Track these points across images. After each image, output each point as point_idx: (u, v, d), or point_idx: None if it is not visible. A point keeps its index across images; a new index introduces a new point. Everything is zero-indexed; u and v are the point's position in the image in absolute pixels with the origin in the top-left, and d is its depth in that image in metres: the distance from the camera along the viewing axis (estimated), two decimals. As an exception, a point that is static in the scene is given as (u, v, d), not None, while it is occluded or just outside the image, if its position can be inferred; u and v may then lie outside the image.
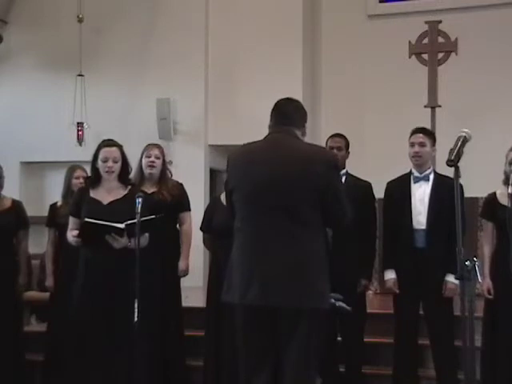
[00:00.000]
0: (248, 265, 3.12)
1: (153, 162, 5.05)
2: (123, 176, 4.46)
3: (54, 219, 5.34)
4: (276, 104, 3.35)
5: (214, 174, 8.76)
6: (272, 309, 3.08)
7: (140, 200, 3.97)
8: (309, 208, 3.10)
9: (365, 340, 4.74)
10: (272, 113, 3.34)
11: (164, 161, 5.15)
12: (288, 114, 3.30)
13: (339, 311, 3.56)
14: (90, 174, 4.62)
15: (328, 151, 3.28)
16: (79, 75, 8.39)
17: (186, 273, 5.10)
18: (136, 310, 3.84)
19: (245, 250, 3.14)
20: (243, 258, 3.14)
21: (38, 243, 6.94)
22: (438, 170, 4.72)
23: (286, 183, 3.10)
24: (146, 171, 5.05)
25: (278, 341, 3.13)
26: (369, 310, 4.90)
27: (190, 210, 5.16)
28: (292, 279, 3.05)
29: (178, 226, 5.15)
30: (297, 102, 3.39)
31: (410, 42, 7.70)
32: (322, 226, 3.18)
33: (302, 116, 3.34)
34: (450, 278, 4.34)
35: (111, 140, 4.48)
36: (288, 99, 3.38)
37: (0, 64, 8.90)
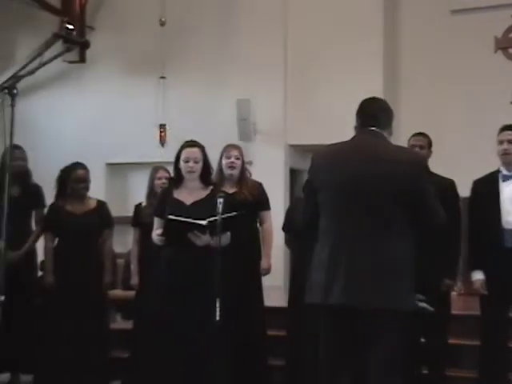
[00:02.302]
0: (333, 265, 3.09)
1: (233, 162, 5.09)
2: (205, 176, 4.51)
3: (139, 219, 5.46)
4: (361, 104, 3.32)
5: (293, 173, 8.76)
6: (357, 309, 3.05)
7: (221, 200, 4.02)
8: (397, 209, 3.07)
9: (449, 342, 4.64)
10: (358, 113, 3.31)
11: (243, 161, 5.19)
12: (374, 114, 3.26)
13: (422, 312, 3.50)
14: (172, 175, 4.71)
15: (416, 153, 3.24)
16: (161, 78, 8.55)
17: (268, 271, 5.12)
18: (218, 310, 3.87)
19: (330, 251, 3.12)
20: (328, 258, 3.12)
21: (123, 243, 7.13)
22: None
23: (375, 184, 3.07)
24: (227, 172, 5.09)
25: (361, 342, 3.10)
26: (453, 311, 4.79)
27: (270, 209, 5.18)
28: (379, 280, 3.02)
29: (258, 225, 5.18)
30: (382, 101, 3.36)
31: (495, 36, 7.49)
32: (409, 227, 3.14)
33: (388, 116, 3.30)
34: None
35: (193, 141, 4.54)
36: (373, 99, 3.35)
37: (87, 68, 9.18)
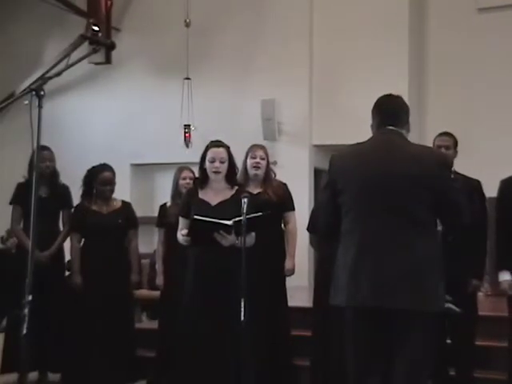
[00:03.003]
0: (358, 266, 3.08)
1: (258, 162, 5.09)
2: (230, 177, 4.52)
3: (164, 219, 5.48)
4: (378, 102, 3.29)
5: (318, 173, 8.75)
6: (384, 311, 3.03)
7: (245, 200, 4.02)
8: (421, 209, 3.05)
9: (476, 343, 4.60)
10: (374, 111, 3.28)
11: (268, 161, 5.19)
12: (392, 112, 3.24)
13: (449, 313, 3.47)
14: (197, 175, 4.72)
15: (438, 151, 3.21)
16: (186, 78, 8.59)
17: (292, 272, 5.12)
18: (243, 310, 3.88)
19: (355, 252, 3.10)
20: (353, 259, 3.11)
21: (148, 243, 7.18)
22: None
23: (398, 184, 3.05)
24: (251, 172, 5.10)
25: (388, 343, 3.09)
26: (480, 312, 4.74)
27: (294, 209, 5.17)
28: (406, 281, 3.00)
29: (282, 225, 5.18)
30: (398, 98, 3.31)
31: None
32: (435, 226, 3.12)
33: (405, 112, 3.27)
34: None
35: (219, 141, 4.55)
36: (389, 96, 3.31)
37: (112, 70, 9.24)
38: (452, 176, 3.33)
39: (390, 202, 3.05)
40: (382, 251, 3.04)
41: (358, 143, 3.29)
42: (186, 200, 4.58)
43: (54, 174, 5.58)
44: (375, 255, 3.05)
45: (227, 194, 4.47)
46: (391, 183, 3.05)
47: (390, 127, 3.21)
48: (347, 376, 4.71)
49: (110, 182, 5.51)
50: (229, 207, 4.31)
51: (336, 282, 3.20)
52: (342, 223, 3.20)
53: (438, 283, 3.08)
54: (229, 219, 4.13)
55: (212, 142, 4.56)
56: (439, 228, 3.34)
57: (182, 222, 4.52)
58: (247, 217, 4.00)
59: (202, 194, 4.50)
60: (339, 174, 3.23)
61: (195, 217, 4.18)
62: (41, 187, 5.27)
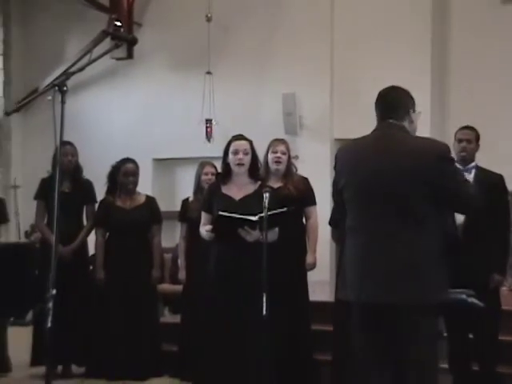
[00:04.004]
0: (362, 263, 3.08)
1: (279, 157, 5.09)
2: (253, 171, 4.51)
3: (186, 214, 5.50)
4: (378, 95, 3.27)
5: (340, 167, 8.70)
6: (388, 307, 3.03)
7: (267, 195, 4.01)
8: (423, 203, 3.02)
9: (500, 338, 4.57)
10: (375, 105, 3.26)
11: (289, 156, 5.18)
12: (390, 105, 3.21)
13: (471, 307, 3.45)
14: (220, 170, 4.72)
15: (439, 142, 3.14)
16: (207, 73, 8.60)
17: (313, 266, 5.12)
18: (264, 304, 3.88)
19: (359, 248, 3.10)
20: (357, 256, 3.11)
21: (170, 237, 7.20)
22: None
23: (399, 179, 3.03)
24: (273, 167, 5.10)
25: (395, 340, 3.08)
26: (503, 307, 4.71)
27: (315, 204, 5.17)
28: (406, 276, 2.99)
29: (303, 220, 5.18)
30: (398, 89, 3.26)
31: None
32: (437, 220, 3.09)
33: (405, 104, 3.21)
34: None
35: (241, 135, 4.56)
36: (390, 88, 3.28)
37: (134, 65, 9.28)
38: (455, 167, 3.25)
39: (390, 197, 3.03)
40: (384, 248, 3.03)
41: (360, 137, 3.27)
42: (209, 195, 4.59)
43: (77, 169, 5.63)
44: (377, 252, 3.04)
45: (250, 188, 4.47)
46: (391, 178, 3.03)
47: (390, 120, 3.18)
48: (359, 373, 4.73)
49: (134, 174, 5.54)
50: (253, 202, 4.29)
51: (343, 279, 3.20)
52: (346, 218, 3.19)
53: (439, 277, 3.05)
54: (253, 214, 4.12)
55: (234, 136, 4.57)
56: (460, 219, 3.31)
57: (204, 217, 4.52)
58: (272, 212, 4.00)
59: (224, 189, 4.50)
60: (341, 171, 3.23)
61: (220, 213, 4.18)
62: (64, 182, 5.32)
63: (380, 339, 3.10)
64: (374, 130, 3.24)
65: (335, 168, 3.32)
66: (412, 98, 3.25)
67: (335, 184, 3.31)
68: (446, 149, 3.11)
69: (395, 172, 3.04)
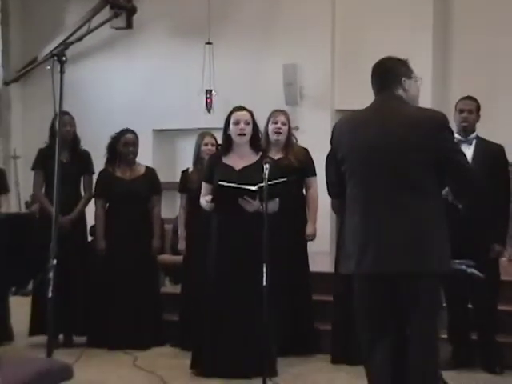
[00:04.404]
0: (362, 233, 3.08)
1: (279, 128, 5.07)
2: (254, 142, 4.51)
3: (186, 185, 5.50)
4: (373, 67, 3.24)
5: (340, 138, 8.67)
6: (389, 276, 3.04)
7: (267, 166, 4.01)
8: (423, 173, 3.02)
9: (498, 308, 4.60)
10: (371, 77, 3.24)
11: (290, 127, 5.17)
12: (383, 75, 3.18)
13: (471, 277, 3.46)
14: (221, 141, 4.71)
15: (437, 112, 3.11)
16: (208, 43, 8.53)
17: (313, 237, 5.13)
18: (264, 275, 3.89)
19: (359, 218, 3.10)
20: (357, 226, 3.11)
21: (171, 208, 7.21)
22: None
23: (397, 149, 3.02)
24: (273, 137, 5.09)
25: (397, 309, 3.09)
26: (502, 277, 4.73)
27: (315, 174, 5.17)
28: (409, 247, 2.99)
29: (303, 191, 5.18)
30: (390, 59, 3.23)
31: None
32: (438, 190, 3.09)
33: (397, 73, 3.17)
34: None
35: (242, 106, 4.54)
36: (382, 60, 3.24)
37: (134, 35, 9.20)
38: (454, 137, 3.22)
39: (389, 167, 3.02)
40: (383, 217, 3.03)
41: (357, 110, 3.25)
42: (210, 165, 4.58)
43: (75, 140, 5.61)
44: (377, 221, 3.04)
45: (252, 159, 4.47)
46: (390, 148, 3.02)
47: (385, 92, 3.15)
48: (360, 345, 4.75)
49: (133, 144, 5.53)
50: (254, 172, 4.30)
51: (344, 250, 3.20)
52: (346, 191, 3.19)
53: (440, 245, 3.05)
54: (253, 184, 4.12)
55: (235, 107, 4.55)
56: (449, 197, 3.30)
57: (205, 187, 4.53)
58: (273, 182, 4.00)
59: (225, 160, 4.50)
60: (339, 143, 3.22)
61: (220, 183, 4.18)
62: (62, 153, 5.28)
63: (381, 310, 3.11)
64: (372, 103, 3.22)
65: (331, 142, 3.30)
66: (405, 66, 3.21)
67: (332, 157, 3.30)
68: (444, 118, 3.09)
69: (394, 142, 3.03)
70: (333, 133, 3.30)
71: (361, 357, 3.24)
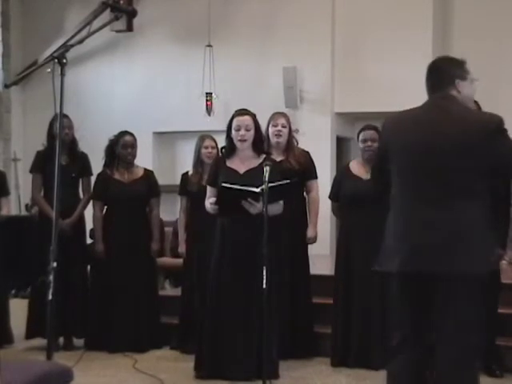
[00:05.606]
0: (407, 232, 3.06)
1: (280, 130, 5.07)
2: (257, 145, 4.51)
3: (186, 188, 5.49)
4: (427, 67, 3.24)
5: (340, 141, 8.69)
6: (430, 276, 3.01)
7: (267, 168, 4.01)
8: (473, 176, 3.00)
9: (499, 311, 4.60)
10: (426, 77, 3.23)
11: (290, 129, 5.17)
12: (436, 76, 3.17)
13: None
14: (221, 144, 4.71)
15: (491, 114, 3.09)
16: (208, 46, 8.54)
17: (314, 240, 5.12)
18: (264, 278, 3.89)
19: (403, 218, 3.10)
20: (402, 225, 3.10)
21: (171, 211, 7.21)
22: None
23: (449, 151, 3.00)
24: (273, 140, 5.09)
25: (436, 311, 3.06)
26: (503, 281, 4.73)
27: (317, 177, 5.17)
28: (454, 247, 2.97)
29: (304, 193, 5.18)
30: (445, 59, 3.26)
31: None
32: (486, 193, 3.07)
33: (451, 74, 3.16)
34: None
35: (244, 109, 4.53)
36: (436, 60, 3.27)
37: (134, 37, 9.21)
38: (509, 140, 3.19)
39: (439, 169, 3.01)
40: (428, 217, 3.01)
41: (408, 109, 3.24)
42: (214, 169, 4.59)
43: (73, 142, 5.60)
44: (423, 222, 3.02)
45: (255, 162, 4.47)
46: (441, 150, 3.00)
47: (440, 92, 3.15)
48: (367, 343, 4.73)
49: (132, 146, 5.53)
50: (257, 175, 4.29)
51: (386, 249, 3.16)
52: (391, 189, 3.18)
53: (486, 245, 3.05)
54: (257, 187, 4.13)
55: (237, 110, 4.54)
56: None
57: (209, 190, 4.54)
58: (274, 184, 3.99)
59: (229, 163, 4.50)
60: (389, 140, 3.21)
61: (223, 185, 4.19)
62: (60, 155, 5.28)
63: (418, 311, 3.08)
64: (424, 103, 3.21)
65: (380, 139, 3.28)
66: (460, 67, 3.20)
67: (380, 155, 3.33)
68: (500, 121, 3.06)
69: (446, 146, 3.00)
70: (382, 130, 3.31)
71: (384, 360, 3.20)
